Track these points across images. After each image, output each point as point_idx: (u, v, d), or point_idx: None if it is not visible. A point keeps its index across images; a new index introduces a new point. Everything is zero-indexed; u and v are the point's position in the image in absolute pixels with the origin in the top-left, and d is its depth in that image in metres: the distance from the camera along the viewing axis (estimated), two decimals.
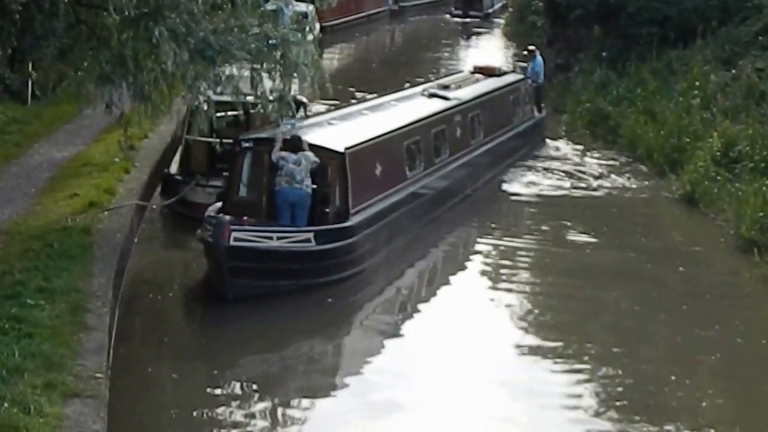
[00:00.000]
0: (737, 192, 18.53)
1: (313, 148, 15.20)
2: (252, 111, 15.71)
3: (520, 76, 25.07)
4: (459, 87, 21.38)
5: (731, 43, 24.80)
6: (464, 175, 19.79)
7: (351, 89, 29.69)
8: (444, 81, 22.32)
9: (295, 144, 15.11)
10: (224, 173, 16.95)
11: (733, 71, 23.36)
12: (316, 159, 15.02)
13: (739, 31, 25.05)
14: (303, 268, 14.73)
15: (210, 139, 17.30)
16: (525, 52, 27.84)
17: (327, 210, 15.34)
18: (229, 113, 16.44)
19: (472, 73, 23.96)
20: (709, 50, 25.08)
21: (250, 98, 15.57)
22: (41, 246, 13.95)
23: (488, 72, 23.91)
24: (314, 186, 15.09)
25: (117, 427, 10.16)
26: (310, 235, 14.71)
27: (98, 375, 10.43)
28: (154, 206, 17.87)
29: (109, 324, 12.06)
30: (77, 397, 9.90)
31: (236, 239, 14.00)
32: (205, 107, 15.14)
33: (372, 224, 15.79)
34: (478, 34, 49.65)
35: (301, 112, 19.28)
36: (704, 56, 24.85)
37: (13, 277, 12.64)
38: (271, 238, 14.40)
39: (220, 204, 15.46)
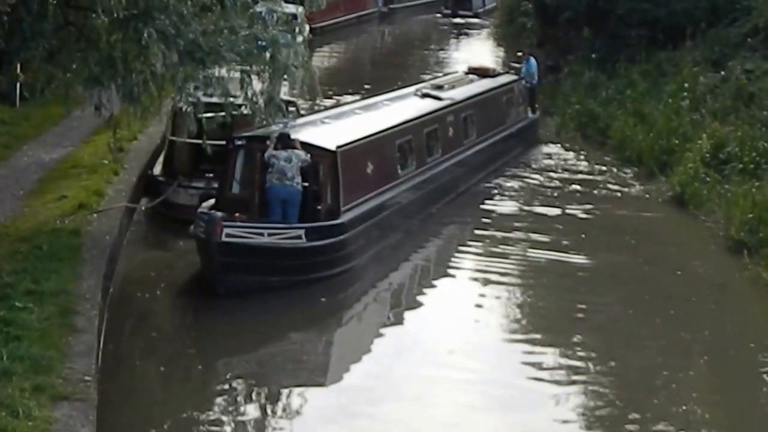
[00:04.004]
0: (726, 193, 18.56)
1: (305, 146, 15.34)
2: (235, 112, 15.73)
3: (514, 77, 25.13)
4: (452, 87, 21.50)
5: (720, 44, 24.87)
6: (457, 174, 19.90)
7: (341, 90, 29.69)
8: (438, 81, 22.49)
9: (285, 142, 15.25)
10: (207, 174, 17.24)
11: (723, 73, 23.41)
12: (307, 157, 15.15)
13: (729, 32, 25.12)
14: (294, 265, 14.86)
15: (193, 141, 17.27)
16: (519, 54, 27.93)
17: (319, 207, 15.48)
18: (216, 114, 16.42)
19: (467, 73, 24.04)
20: (698, 52, 25.14)
21: (235, 99, 15.60)
22: (30, 248, 13.92)
23: (482, 73, 24.01)
24: (305, 184, 15.21)
25: (106, 430, 10.12)
26: (301, 232, 14.85)
27: (87, 378, 10.41)
28: (143, 208, 17.83)
29: (98, 326, 12.04)
30: (66, 400, 9.88)
31: (228, 235, 14.17)
32: (190, 109, 15.14)
33: (363, 222, 15.91)
34: (469, 35, 49.67)
35: (293, 112, 19.41)
36: (693, 58, 24.91)
37: (2, 280, 12.60)
38: (262, 235, 14.55)
39: (212, 201, 15.55)
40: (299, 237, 14.82)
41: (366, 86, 29.61)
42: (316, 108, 22.41)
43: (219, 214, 14.52)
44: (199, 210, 15.08)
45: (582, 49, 29.39)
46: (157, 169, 18.56)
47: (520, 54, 27.72)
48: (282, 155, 15.06)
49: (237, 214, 14.72)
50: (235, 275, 14.19)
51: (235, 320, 13.97)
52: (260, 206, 15.39)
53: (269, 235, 14.62)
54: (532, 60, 26.31)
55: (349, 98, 26.84)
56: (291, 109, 19.41)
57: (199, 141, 16.75)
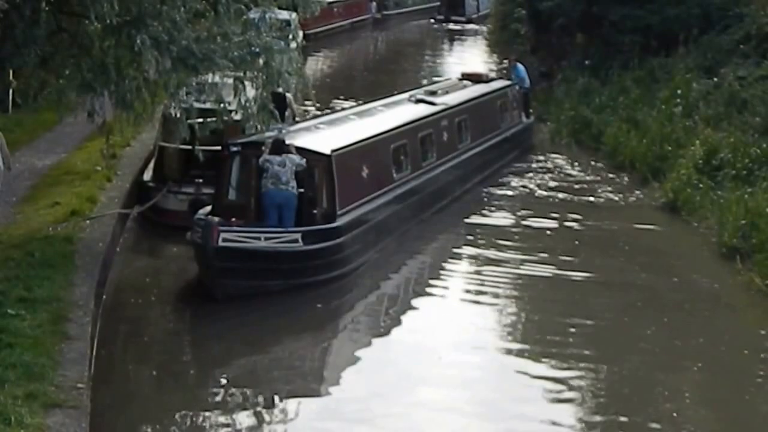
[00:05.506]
0: (719, 200, 18.57)
1: (300, 150, 15.41)
2: (226, 118, 15.76)
3: (508, 82, 25.21)
4: (446, 93, 21.61)
5: (713, 51, 24.92)
6: (451, 178, 19.98)
7: (335, 96, 29.72)
8: (431, 87, 22.71)
9: (279, 146, 15.31)
10: (196, 180, 17.35)
11: (715, 79, 23.46)
12: (301, 161, 15.20)
13: (721, 39, 25.17)
14: (291, 268, 14.93)
15: (183, 146, 17.28)
16: (506, 60, 28.02)
17: (314, 211, 15.54)
18: (206, 120, 16.44)
19: (460, 79, 24.21)
20: (691, 58, 25.19)
21: (227, 105, 15.62)
22: (22, 255, 13.90)
23: (476, 78, 24.20)
24: (301, 189, 15.25)
25: None
26: (298, 236, 14.93)
27: (80, 385, 10.38)
28: (135, 213, 17.82)
29: (90, 333, 12.02)
30: (58, 408, 9.86)
31: (225, 240, 14.23)
32: (182, 114, 15.14)
33: (359, 225, 16.00)
34: (462, 41, 49.78)
35: (288, 112, 19.47)
36: (686, 64, 24.95)
37: None
38: (259, 239, 14.62)
39: (209, 207, 15.61)
40: (296, 241, 14.91)
41: (360, 92, 29.62)
42: (310, 114, 22.45)
43: (215, 219, 14.58)
44: (196, 216, 15.13)
45: (575, 55, 29.45)
46: (148, 175, 18.56)
47: (506, 61, 27.81)
48: (276, 160, 15.12)
49: (233, 220, 14.76)
50: (233, 280, 14.26)
51: (229, 326, 13.96)
52: (257, 212, 15.45)
53: (266, 239, 14.71)
54: (520, 66, 26.40)
55: (343, 104, 26.91)
56: (286, 107, 19.51)
57: (189, 147, 16.78)
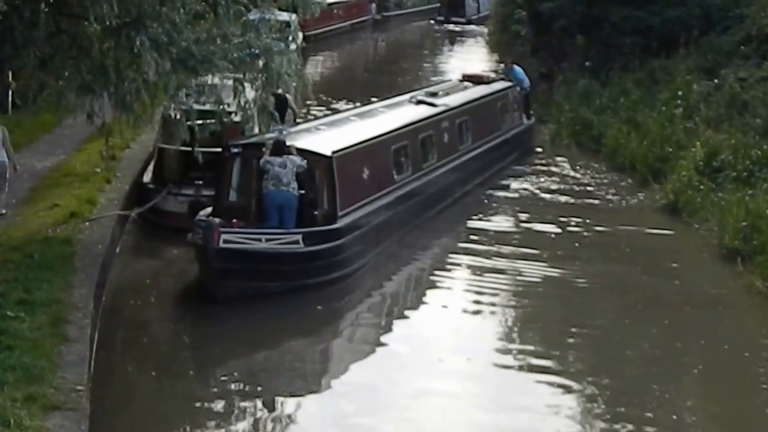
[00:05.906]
0: (720, 201, 18.55)
1: (301, 152, 15.43)
2: (226, 120, 15.74)
3: (509, 84, 25.21)
4: (447, 94, 21.61)
5: (714, 52, 24.90)
6: (452, 179, 19.98)
7: (335, 98, 29.72)
8: (432, 88, 22.69)
9: (280, 148, 15.31)
10: (196, 182, 17.40)
11: (716, 81, 23.44)
12: (302, 162, 15.19)
13: (722, 40, 25.16)
14: (292, 270, 14.95)
15: (182, 148, 17.27)
16: (501, 63, 27.99)
17: (315, 213, 15.55)
18: (205, 122, 16.44)
19: (461, 80, 24.22)
20: (691, 60, 25.17)
21: (227, 107, 15.62)
22: (21, 257, 13.89)
23: (477, 80, 24.23)
24: (302, 191, 15.25)
25: None
26: (299, 237, 14.96)
27: (79, 387, 10.38)
28: (134, 215, 17.80)
29: (90, 335, 12.01)
30: (58, 410, 9.86)
31: (225, 241, 14.26)
32: (179, 116, 15.14)
33: (360, 227, 16.00)
34: (462, 42, 49.76)
35: (289, 114, 19.49)
36: (687, 66, 24.93)
37: None
38: (259, 240, 14.66)
39: (210, 209, 15.61)
40: (296, 242, 14.92)
41: (360, 93, 29.61)
42: (311, 116, 22.45)
43: (216, 220, 14.60)
44: (197, 217, 15.14)
45: (576, 56, 29.40)
46: (147, 177, 18.55)
47: (502, 63, 27.78)
48: (277, 161, 15.12)
49: (234, 221, 14.77)
50: (233, 281, 14.30)
51: (230, 327, 13.94)
52: (258, 213, 15.46)
53: (267, 240, 14.73)
54: (516, 67, 26.38)
55: (343, 106, 26.90)
56: (287, 113, 19.53)
57: (189, 148, 16.75)
